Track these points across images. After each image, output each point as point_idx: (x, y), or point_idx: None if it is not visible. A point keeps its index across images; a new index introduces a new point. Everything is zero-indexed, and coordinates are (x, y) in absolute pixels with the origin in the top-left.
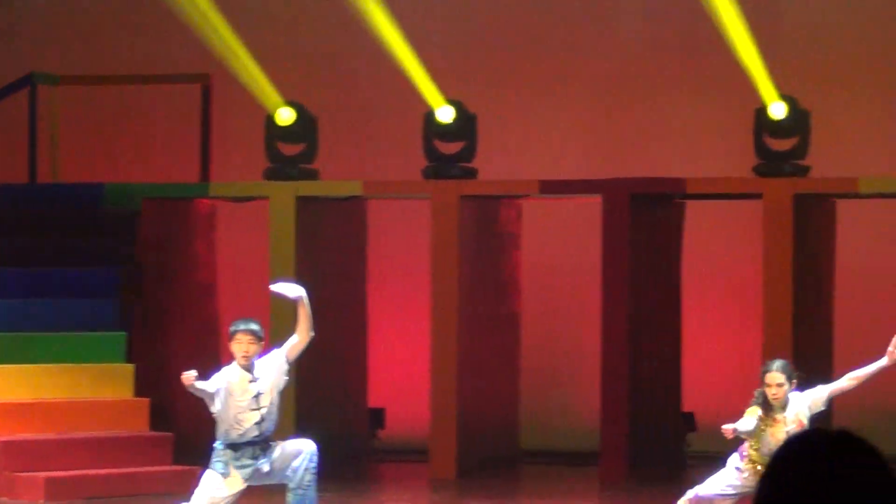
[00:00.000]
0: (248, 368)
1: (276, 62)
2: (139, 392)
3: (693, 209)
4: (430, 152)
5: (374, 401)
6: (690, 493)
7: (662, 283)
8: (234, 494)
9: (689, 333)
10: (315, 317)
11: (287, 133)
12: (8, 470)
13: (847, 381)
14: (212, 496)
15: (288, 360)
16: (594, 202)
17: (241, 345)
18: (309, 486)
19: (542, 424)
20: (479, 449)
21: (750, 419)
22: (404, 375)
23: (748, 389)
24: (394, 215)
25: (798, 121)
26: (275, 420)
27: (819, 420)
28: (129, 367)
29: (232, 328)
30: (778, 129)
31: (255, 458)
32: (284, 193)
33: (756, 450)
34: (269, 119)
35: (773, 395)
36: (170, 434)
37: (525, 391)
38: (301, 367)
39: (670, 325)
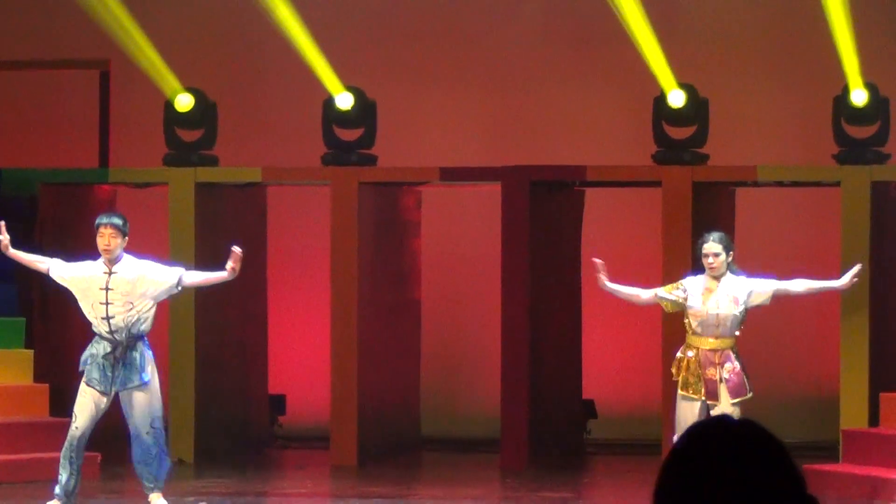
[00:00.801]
0: (111, 262)
1: (175, 48)
2: (39, 377)
3: (593, 196)
4: (330, 139)
5: (274, 387)
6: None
7: (562, 271)
8: (97, 392)
9: (590, 321)
10: (215, 303)
11: (186, 119)
12: None
13: (798, 284)
14: (82, 399)
15: (181, 284)
16: (494, 189)
17: (103, 238)
18: (152, 445)
19: (443, 411)
20: (380, 436)
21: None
22: (305, 362)
23: (648, 377)
24: (293, 202)
25: (697, 109)
26: (134, 325)
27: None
28: (29, 353)
29: (96, 221)
30: (677, 117)
31: (106, 357)
32: (184, 179)
33: (693, 330)
34: (168, 105)
35: (710, 264)
36: (70, 420)
37: (426, 378)
38: (201, 353)
39: (570, 313)
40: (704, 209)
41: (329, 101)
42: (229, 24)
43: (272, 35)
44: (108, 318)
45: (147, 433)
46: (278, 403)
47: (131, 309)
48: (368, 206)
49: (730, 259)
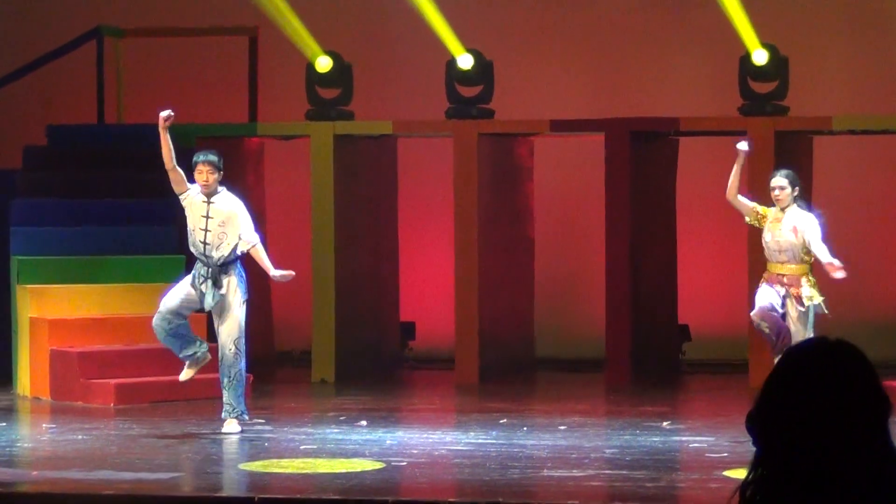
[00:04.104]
0: (209, 195)
1: (316, 15)
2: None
3: (686, 144)
4: (452, 95)
5: (405, 315)
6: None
7: (659, 211)
8: (188, 299)
9: (683, 254)
10: (353, 241)
11: (325, 79)
12: (83, 377)
13: (814, 248)
14: (175, 292)
15: (249, 246)
16: (598, 139)
17: (201, 174)
18: (232, 364)
19: (555, 335)
20: (499, 357)
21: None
22: (432, 293)
23: (736, 304)
24: (420, 151)
25: (778, 66)
26: (222, 253)
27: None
28: None
29: (194, 159)
30: (760, 73)
31: (205, 277)
32: (324, 133)
33: (766, 257)
34: (310, 66)
35: (776, 196)
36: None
37: (539, 306)
38: (340, 285)
39: (666, 247)
40: (785, 155)
41: (451, 62)
42: None
43: (401, 3)
44: (204, 243)
45: (229, 350)
46: (409, 329)
47: (224, 238)
48: (487, 155)
49: (795, 193)
